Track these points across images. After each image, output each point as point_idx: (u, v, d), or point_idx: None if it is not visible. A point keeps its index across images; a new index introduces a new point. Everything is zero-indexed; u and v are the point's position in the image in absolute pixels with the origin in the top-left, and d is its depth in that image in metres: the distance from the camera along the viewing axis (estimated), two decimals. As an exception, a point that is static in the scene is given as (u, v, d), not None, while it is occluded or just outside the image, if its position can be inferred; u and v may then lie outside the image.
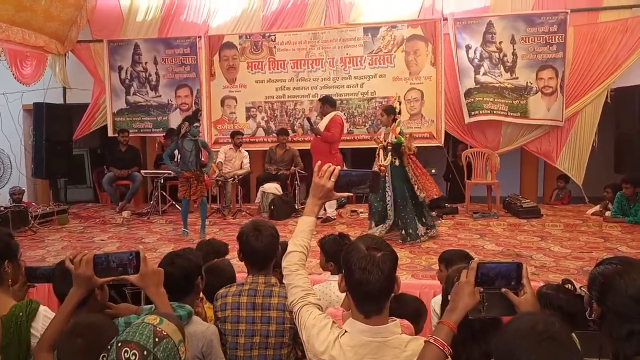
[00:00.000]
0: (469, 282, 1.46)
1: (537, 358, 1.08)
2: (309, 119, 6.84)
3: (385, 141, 5.36)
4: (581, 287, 1.95)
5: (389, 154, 5.30)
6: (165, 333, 1.28)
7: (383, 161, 5.32)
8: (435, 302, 2.76)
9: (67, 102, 8.58)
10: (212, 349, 2.12)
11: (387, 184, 5.34)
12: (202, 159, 6.11)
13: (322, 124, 6.41)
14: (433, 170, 6.93)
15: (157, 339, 1.25)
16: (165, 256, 2.26)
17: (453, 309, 1.46)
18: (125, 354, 1.23)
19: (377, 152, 5.49)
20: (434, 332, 1.47)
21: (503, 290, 1.47)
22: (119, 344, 1.25)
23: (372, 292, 1.46)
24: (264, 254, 2.23)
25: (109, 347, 1.28)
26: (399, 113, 5.52)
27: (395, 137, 5.26)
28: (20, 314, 1.90)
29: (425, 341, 1.45)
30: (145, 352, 1.22)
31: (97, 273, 1.66)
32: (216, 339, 2.15)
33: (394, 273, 1.49)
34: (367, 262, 1.45)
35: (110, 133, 8.34)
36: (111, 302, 1.97)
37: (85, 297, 1.71)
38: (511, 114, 7.28)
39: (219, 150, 7.55)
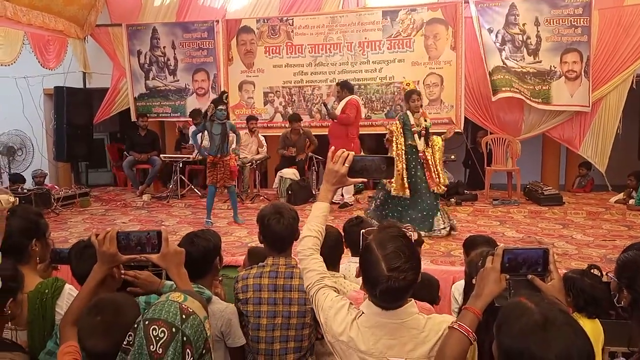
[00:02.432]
0: (494, 269, 1.44)
1: (547, 349, 1.06)
2: (325, 104, 6.78)
3: (418, 126, 5.10)
4: (607, 272, 1.92)
5: (422, 138, 5.08)
6: (191, 310, 1.28)
7: (423, 147, 5.07)
8: (456, 288, 2.75)
9: (87, 86, 8.65)
10: (231, 328, 2.14)
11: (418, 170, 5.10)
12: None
13: (338, 109, 6.39)
14: (452, 157, 6.85)
15: (184, 316, 1.26)
16: (185, 236, 2.27)
17: (478, 295, 1.44)
18: (154, 331, 1.23)
19: (388, 139, 5.27)
20: (459, 317, 1.45)
21: (529, 276, 1.44)
22: (147, 322, 1.25)
23: (391, 302, 1.47)
24: (285, 236, 2.23)
25: (135, 325, 1.28)
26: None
27: (429, 121, 5.16)
28: (46, 291, 1.94)
29: (449, 327, 1.44)
30: (173, 329, 1.23)
31: (120, 251, 1.67)
32: (235, 318, 2.17)
33: (415, 283, 1.46)
34: (389, 286, 1.41)
35: (133, 118, 8.40)
36: (129, 284, 1.97)
37: None
38: (533, 99, 7.14)
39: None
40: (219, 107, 5.57)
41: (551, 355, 1.05)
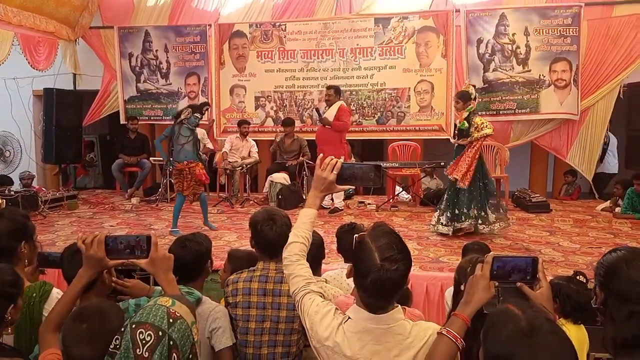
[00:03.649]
0: (484, 276, 1.46)
1: (532, 356, 1.08)
2: (317, 110, 6.81)
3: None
4: (591, 279, 1.95)
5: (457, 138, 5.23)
6: (178, 314, 1.28)
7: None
8: (449, 294, 2.77)
9: (77, 88, 8.60)
10: (221, 327, 2.12)
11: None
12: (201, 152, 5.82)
13: (330, 114, 6.41)
14: (442, 163, 6.89)
15: (171, 320, 1.25)
16: (176, 240, 2.28)
17: (467, 302, 1.47)
18: (140, 335, 1.23)
19: None
20: (447, 324, 1.47)
21: (518, 284, 1.46)
22: (133, 326, 1.25)
23: (381, 296, 1.48)
24: (277, 243, 2.22)
25: (122, 329, 1.28)
26: (474, 99, 5.21)
27: (459, 122, 5.16)
28: (34, 294, 1.93)
29: (438, 333, 1.46)
30: (160, 333, 1.23)
31: (107, 255, 1.66)
32: (225, 317, 2.15)
33: (406, 279, 1.48)
34: (380, 276, 1.42)
35: (122, 120, 8.36)
36: (119, 292, 1.96)
37: (93, 280, 1.72)
38: (520, 110, 7.23)
39: (225, 139, 7.59)
40: (195, 114, 5.40)
41: None
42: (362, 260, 1.47)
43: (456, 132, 5.30)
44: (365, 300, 1.50)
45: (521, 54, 7.20)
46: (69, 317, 1.53)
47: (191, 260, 2.13)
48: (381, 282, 1.42)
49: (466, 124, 5.08)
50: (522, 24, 7.14)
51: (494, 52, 7.25)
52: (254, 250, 2.48)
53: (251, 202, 7.15)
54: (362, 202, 7.05)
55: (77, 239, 1.70)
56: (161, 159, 7.62)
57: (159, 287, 1.82)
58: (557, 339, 1.11)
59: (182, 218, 6.37)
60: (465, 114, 5.13)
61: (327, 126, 6.37)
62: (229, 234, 5.55)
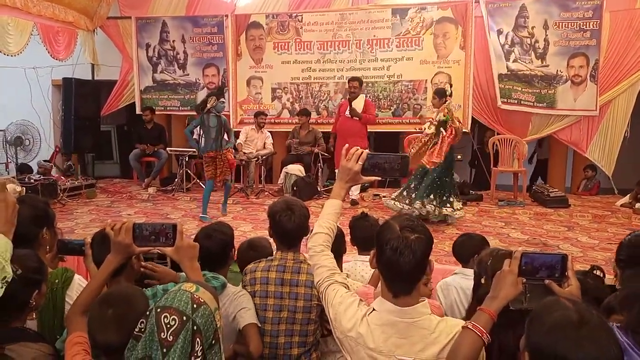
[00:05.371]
0: (512, 272, 1.45)
1: (578, 348, 1.05)
2: (350, 102, 6.68)
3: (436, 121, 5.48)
4: (609, 277, 1.94)
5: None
6: (202, 300, 1.29)
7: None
8: (439, 286, 2.72)
9: (95, 78, 8.68)
10: (246, 307, 2.14)
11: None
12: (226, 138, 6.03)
13: (358, 106, 6.38)
14: (459, 157, 6.84)
15: (195, 306, 1.27)
16: (201, 231, 2.33)
17: (494, 297, 1.45)
18: (165, 319, 1.24)
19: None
20: (473, 318, 1.46)
21: (547, 281, 1.45)
22: (158, 310, 1.26)
23: (402, 273, 1.45)
24: (295, 233, 2.24)
25: (147, 313, 1.29)
26: (450, 95, 5.60)
27: (444, 115, 5.37)
28: (56, 280, 1.96)
29: (463, 327, 1.44)
30: (184, 318, 1.24)
31: (134, 241, 1.69)
32: (250, 300, 2.17)
33: (427, 257, 1.47)
34: (400, 244, 1.42)
35: (137, 110, 8.42)
36: (147, 276, 2.00)
37: (122, 265, 1.75)
38: (538, 104, 7.14)
39: (240, 131, 7.60)
40: (221, 100, 5.64)
41: (579, 356, 1.04)
42: (383, 234, 1.47)
43: (434, 124, 5.49)
44: (385, 278, 1.49)
45: (540, 48, 7.09)
46: (96, 302, 1.55)
47: (217, 250, 2.18)
48: (400, 250, 1.41)
49: (449, 117, 5.37)
50: (541, 16, 7.02)
51: (513, 44, 7.16)
52: (257, 238, 2.51)
53: (266, 193, 7.17)
54: (377, 195, 7.02)
55: (105, 225, 1.73)
56: (178, 149, 7.70)
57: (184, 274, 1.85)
58: (606, 335, 1.08)
59: (197, 208, 6.43)
60: (445, 110, 5.42)
61: (356, 118, 6.37)
62: (245, 225, 5.58)
